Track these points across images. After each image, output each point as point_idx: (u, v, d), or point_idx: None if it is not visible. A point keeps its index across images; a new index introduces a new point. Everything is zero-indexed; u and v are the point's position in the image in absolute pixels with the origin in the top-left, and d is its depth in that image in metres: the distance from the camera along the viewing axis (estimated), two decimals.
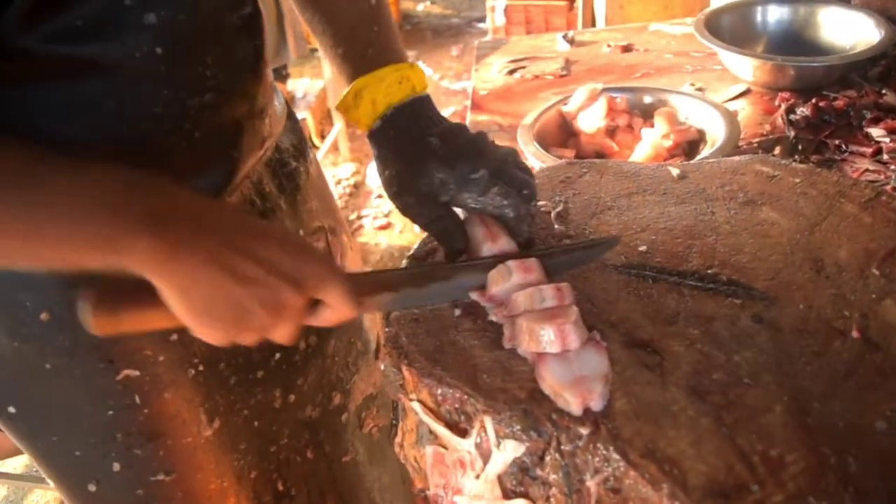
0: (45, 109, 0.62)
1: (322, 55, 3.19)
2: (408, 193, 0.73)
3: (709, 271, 0.71)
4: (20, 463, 2.12)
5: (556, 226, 0.80)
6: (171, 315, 0.60)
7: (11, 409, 0.76)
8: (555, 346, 0.59)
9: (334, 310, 0.62)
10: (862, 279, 0.70)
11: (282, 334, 0.62)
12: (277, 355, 0.83)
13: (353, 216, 3.04)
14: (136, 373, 0.74)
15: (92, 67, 0.61)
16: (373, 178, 3.27)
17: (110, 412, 0.75)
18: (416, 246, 0.80)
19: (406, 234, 2.92)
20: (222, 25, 0.71)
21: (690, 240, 0.76)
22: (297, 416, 0.88)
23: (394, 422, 0.75)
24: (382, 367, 0.69)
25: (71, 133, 0.64)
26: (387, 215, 3.03)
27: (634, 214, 0.81)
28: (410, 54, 4.45)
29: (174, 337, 0.75)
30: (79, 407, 0.75)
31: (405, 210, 0.74)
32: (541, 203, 0.83)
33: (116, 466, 0.78)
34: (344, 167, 3.34)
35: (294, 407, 0.87)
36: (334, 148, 3.32)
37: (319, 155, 3.08)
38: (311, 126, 3.19)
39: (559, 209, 0.82)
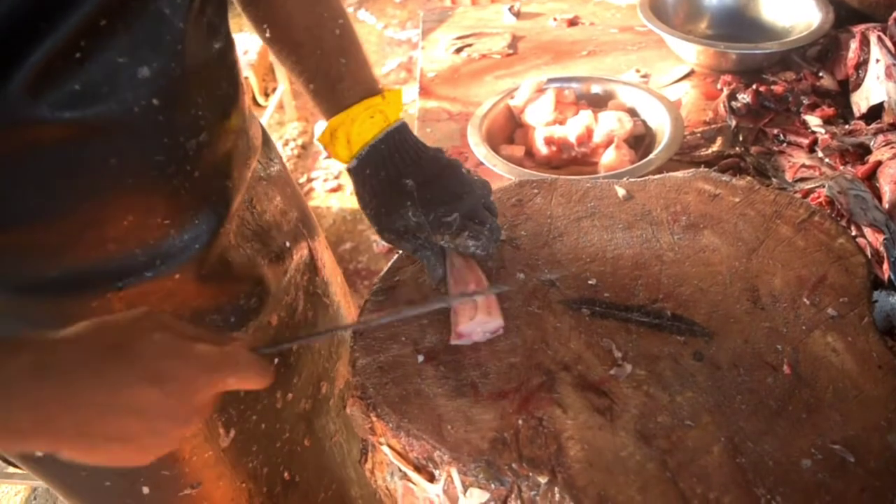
0: (51, 173, 0.64)
1: None
2: (388, 231, 0.80)
3: (654, 305, 0.76)
4: None
5: (513, 250, 0.83)
6: None
7: (38, 453, 0.78)
8: None
9: (247, 385, 0.64)
10: (794, 310, 0.75)
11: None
12: (276, 360, 0.89)
13: (302, 179, 3.00)
14: None
15: (94, 129, 0.63)
16: None
17: None
18: (377, 281, 0.82)
19: None
20: (205, 64, 0.73)
21: (637, 270, 0.80)
22: (295, 410, 0.96)
23: (363, 451, 0.79)
24: (349, 412, 0.72)
25: (75, 191, 0.66)
26: (337, 177, 3.00)
27: (584, 242, 0.84)
28: (351, 3, 4.33)
29: None
30: None
31: (389, 243, 0.82)
32: None
33: (146, 490, 0.83)
34: (290, 127, 3.28)
35: (292, 404, 0.94)
36: (280, 107, 3.24)
37: (265, 117, 3.01)
38: (254, 84, 3.09)
39: (513, 237, 0.85)
